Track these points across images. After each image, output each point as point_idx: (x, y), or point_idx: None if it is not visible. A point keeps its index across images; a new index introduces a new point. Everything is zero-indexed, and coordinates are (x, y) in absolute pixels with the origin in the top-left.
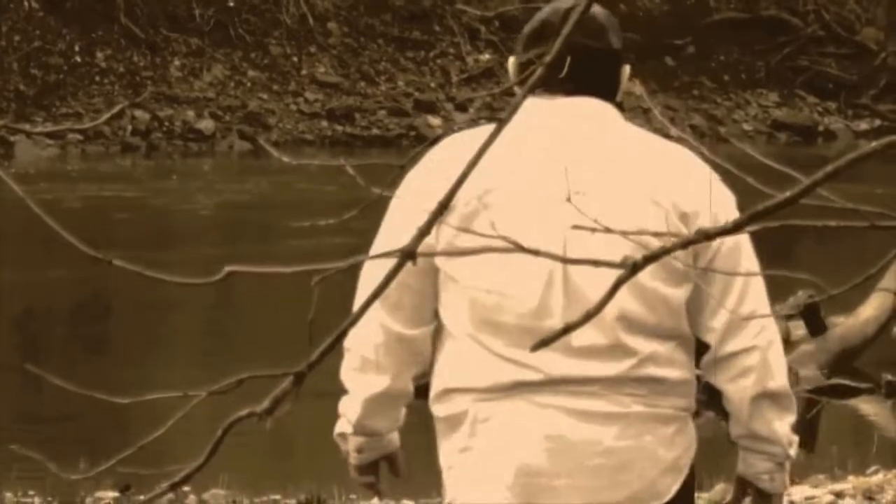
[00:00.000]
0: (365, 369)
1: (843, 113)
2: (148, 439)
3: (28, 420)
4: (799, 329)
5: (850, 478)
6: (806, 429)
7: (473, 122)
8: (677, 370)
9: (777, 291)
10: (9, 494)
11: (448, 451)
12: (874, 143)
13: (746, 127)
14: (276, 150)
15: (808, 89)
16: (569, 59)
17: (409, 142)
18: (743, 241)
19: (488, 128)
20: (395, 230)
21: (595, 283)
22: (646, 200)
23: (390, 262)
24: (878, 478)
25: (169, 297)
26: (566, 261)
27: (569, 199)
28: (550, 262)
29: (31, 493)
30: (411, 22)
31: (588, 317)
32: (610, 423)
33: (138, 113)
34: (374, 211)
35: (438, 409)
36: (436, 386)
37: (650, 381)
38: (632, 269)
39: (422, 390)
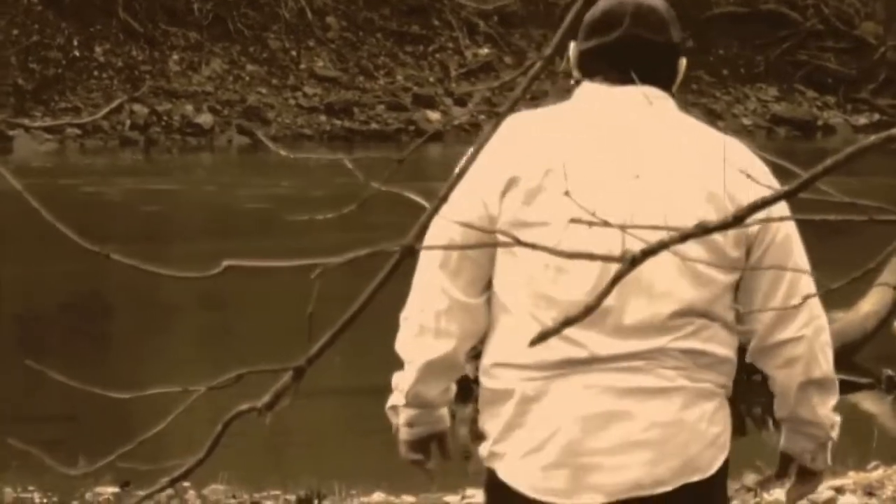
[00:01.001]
0: (424, 334)
1: (842, 107)
2: (147, 434)
3: (27, 415)
4: None
5: (851, 473)
6: None
7: (472, 117)
8: (720, 347)
9: None
10: (8, 490)
11: (493, 423)
12: (873, 137)
13: (745, 121)
14: (275, 144)
15: (807, 84)
16: (629, 49)
17: (409, 136)
18: (793, 232)
19: (549, 109)
20: (455, 200)
21: (651, 265)
22: (702, 190)
23: (453, 227)
24: (879, 473)
25: (169, 291)
26: (562, 254)
27: (636, 176)
28: (610, 241)
29: (30, 488)
30: (410, 16)
31: (588, 310)
32: (655, 398)
33: (137, 107)
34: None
35: (485, 381)
36: (486, 359)
37: (693, 353)
38: (630, 263)
39: (462, 393)
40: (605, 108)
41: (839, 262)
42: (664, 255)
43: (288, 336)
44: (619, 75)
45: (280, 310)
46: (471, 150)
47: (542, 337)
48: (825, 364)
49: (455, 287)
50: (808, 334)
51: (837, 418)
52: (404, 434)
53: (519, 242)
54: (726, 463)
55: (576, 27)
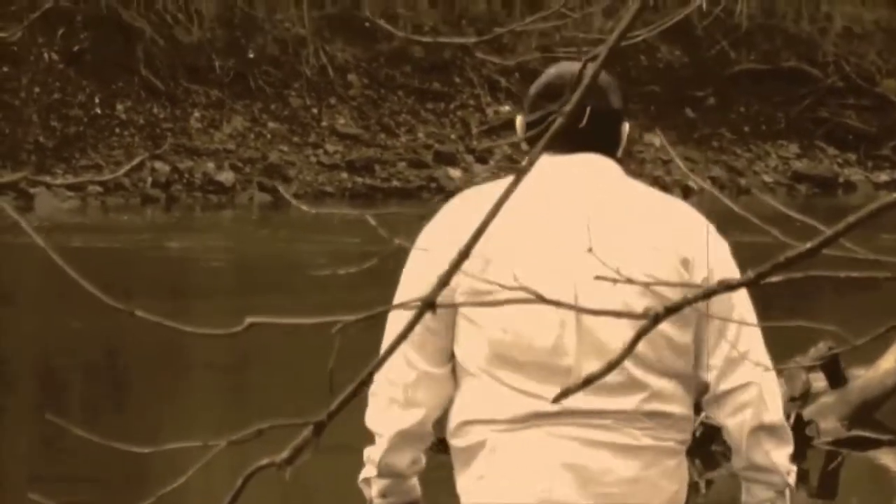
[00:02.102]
0: (393, 406)
1: (863, 164)
2: (167, 489)
3: (47, 472)
4: (819, 381)
5: None
6: (827, 480)
7: (494, 174)
8: (680, 406)
9: (798, 343)
10: None
11: (465, 480)
12: (895, 194)
13: (766, 178)
14: (296, 201)
15: (828, 141)
16: (578, 117)
17: (430, 193)
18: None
19: (503, 181)
20: (414, 279)
21: (605, 323)
22: (649, 247)
23: (413, 311)
24: None
25: (191, 345)
26: (590, 312)
27: (589, 250)
28: (564, 299)
29: None
30: (431, 73)
31: (610, 367)
32: (622, 455)
33: (158, 165)
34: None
35: (456, 441)
36: (454, 419)
37: (658, 415)
38: (653, 320)
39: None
40: (553, 178)
41: (861, 318)
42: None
43: (308, 391)
44: (563, 144)
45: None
46: (491, 206)
47: (564, 394)
48: (774, 410)
49: (421, 359)
50: (755, 380)
51: (793, 466)
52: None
53: (542, 300)
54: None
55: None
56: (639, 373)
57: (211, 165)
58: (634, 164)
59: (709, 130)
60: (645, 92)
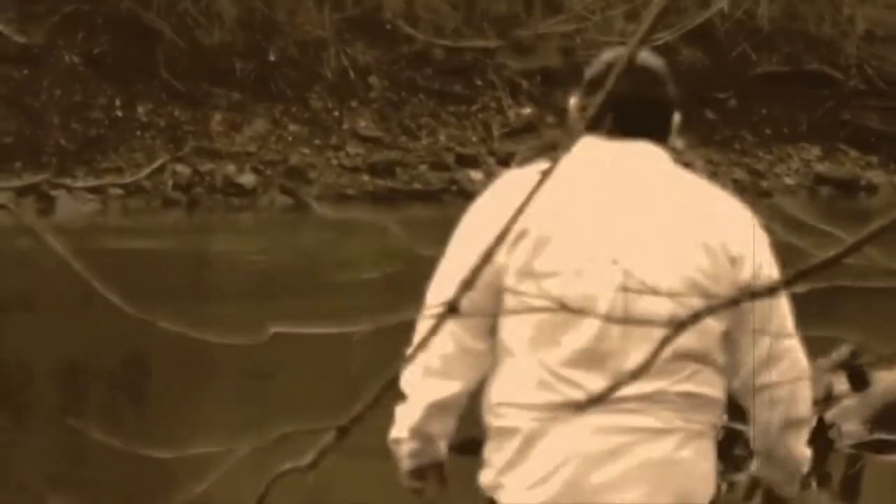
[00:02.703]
0: (430, 376)
1: (885, 167)
2: (191, 494)
3: (69, 476)
4: (841, 384)
5: None
6: (849, 484)
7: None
8: (712, 389)
9: (820, 346)
10: None
11: (498, 457)
12: None
13: (788, 181)
14: (318, 204)
15: (850, 143)
16: (631, 104)
17: (451, 196)
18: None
19: (546, 163)
20: (460, 250)
21: (651, 312)
22: (696, 242)
23: (459, 276)
24: None
25: (212, 349)
26: (619, 321)
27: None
28: (612, 289)
29: None
30: (453, 76)
31: (637, 373)
32: (652, 438)
33: (179, 167)
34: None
35: (491, 419)
36: (492, 398)
37: (688, 396)
38: (677, 328)
39: (467, 447)
40: (604, 161)
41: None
42: (662, 303)
43: (331, 395)
44: (616, 130)
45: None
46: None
47: (591, 401)
48: (803, 407)
49: (464, 333)
50: (792, 378)
51: (809, 453)
52: (406, 465)
53: (569, 309)
54: (716, 497)
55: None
56: (677, 360)
57: (232, 168)
58: None
59: (730, 133)
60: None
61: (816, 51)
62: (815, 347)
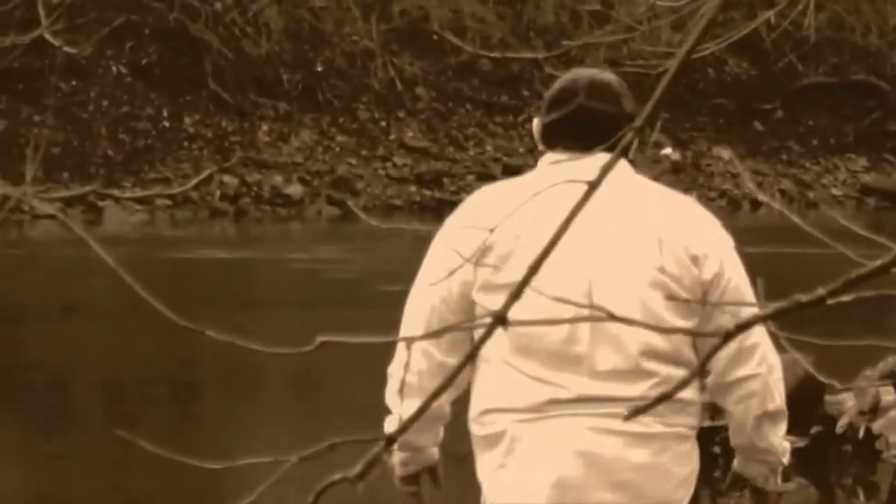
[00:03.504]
0: (407, 393)
1: None
2: None
3: (117, 487)
4: (888, 395)
5: None
6: (894, 494)
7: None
8: (689, 391)
9: (868, 357)
10: None
11: (486, 466)
12: None
13: (835, 192)
14: (365, 214)
15: None
16: (590, 120)
17: None
18: (743, 282)
19: (517, 180)
20: (433, 268)
21: (617, 314)
22: (658, 244)
23: (432, 293)
24: None
25: (263, 361)
26: (658, 329)
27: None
28: (578, 295)
29: None
30: (500, 87)
31: (684, 383)
32: (635, 442)
33: (227, 178)
34: None
35: (477, 429)
36: (474, 407)
37: (669, 401)
38: (724, 338)
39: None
40: (565, 176)
41: None
42: (631, 306)
43: (379, 406)
44: (576, 145)
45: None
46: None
47: (634, 413)
48: (778, 398)
49: (435, 349)
50: (762, 372)
51: (787, 445)
52: (399, 471)
53: (614, 318)
54: (694, 499)
55: (666, 98)
56: (647, 363)
57: (279, 178)
58: (703, 177)
59: (777, 143)
60: (713, 105)
61: (863, 61)
62: (862, 358)
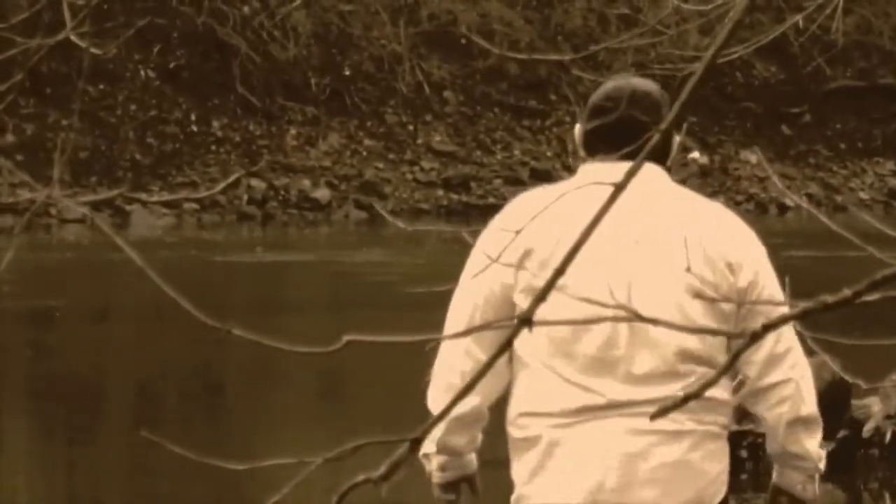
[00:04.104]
0: (450, 393)
1: None
2: None
3: (141, 489)
4: None
5: None
6: None
7: None
8: (720, 391)
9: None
10: None
11: (522, 469)
12: None
13: (863, 195)
14: (392, 218)
15: None
16: (631, 128)
17: None
18: (776, 290)
19: (557, 185)
20: (475, 270)
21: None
22: (695, 252)
23: (476, 294)
24: None
25: (288, 362)
26: (691, 330)
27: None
28: (617, 300)
29: None
30: (527, 91)
31: (707, 385)
32: (668, 441)
33: (254, 182)
34: None
35: (514, 431)
36: (512, 410)
37: (701, 399)
38: (751, 338)
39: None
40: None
41: None
42: (667, 310)
43: (404, 407)
44: (616, 152)
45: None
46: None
47: (664, 411)
48: (811, 403)
49: (478, 349)
50: (794, 377)
51: (823, 452)
52: (437, 478)
53: (641, 318)
54: (726, 497)
55: (693, 101)
56: (682, 365)
57: (307, 182)
58: (731, 181)
59: (805, 147)
60: (741, 109)
61: (891, 65)
62: (889, 361)
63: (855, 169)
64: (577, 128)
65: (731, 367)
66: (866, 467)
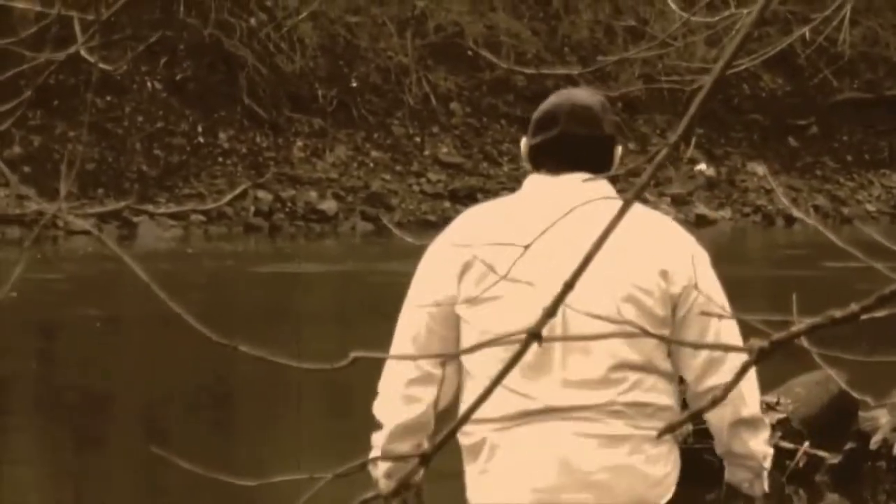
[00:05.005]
0: (395, 401)
1: None
2: None
3: (152, 502)
4: None
5: None
6: None
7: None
8: (661, 397)
9: None
10: None
11: (470, 473)
12: None
13: (870, 207)
14: (399, 230)
15: None
16: (569, 142)
17: None
18: (715, 289)
19: (501, 199)
20: (420, 284)
21: (589, 323)
22: (631, 259)
23: (421, 309)
24: None
25: (297, 376)
26: (695, 346)
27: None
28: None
29: None
30: (534, 102)
31: (717, 400)
32: (607, 443)
33: (261, 194)
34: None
35: (462, 439)
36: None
37: (637, 405)
38: (758, 354)
39: None
40: (547, 194)
41: None
42: (600, 320)
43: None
44: (558, 166)
45: None
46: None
47: (667, 430)
48: (752, 404)
49: (424, 360)
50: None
51: (770, 450)
52: (382, 485)
53: (647, 333)
54: (674, 498)
55: (701, 114)
56: (616, 372)
57: (313, 194)
58: (738, 193)
59: (811, 159)
60: (747, 121)
61: None
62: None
63: (862, 181)
64: (523, 141)
65: (736, 384)
66: (874, 479)
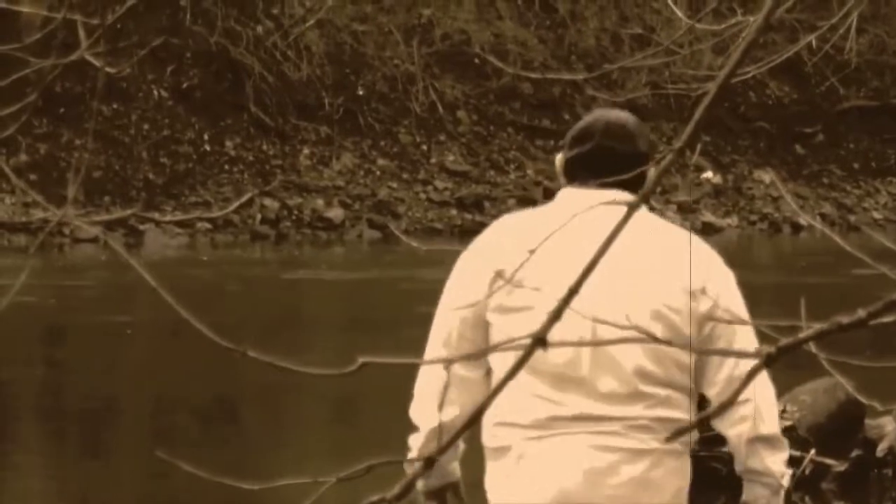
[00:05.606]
0: (430, 405)
1: None
2: None
3: None
4: None
5: None
6: None
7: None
8: (682, 412)
9: None
10: None
11: (494, 475)
12: None
13: (876, 215)
14: (406, 238)
15: None
16: (604, 156)
17: None
18: (740, 309)
19: (535, 209)
20: (453, 291)
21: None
22: (660, 277)
23: (454, 315)
24: None
25: (303, 381)
26: (699, 352)
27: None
28: (582, 323)
29: None
30: (540, 110)
31: (723, 407)
32: (632, 458)
33: (267, 201)
34: None
35: (488, 440)
36: (487, 421)
37: (662, 420)
38: (766, 360)
39: None
40: (578, 208)
41: None
42: (629, 335)
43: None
44: (592, 179)
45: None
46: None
47: (676, 435)
48: (770, 422)
49: (458, 365)
50: (753, 397)
51: (788, 470)
52: (420, 487)
53: (656, 340)
54: None
55: (706, 121)
56: (643, 386)
57: (320, 202)
58: (744, 201)
59: (818, 167)
60: (754, 128)
61: None
62: None
63: (868, 189)
64: (559, 156)
65: (743, 390)
66: (880, 487)
